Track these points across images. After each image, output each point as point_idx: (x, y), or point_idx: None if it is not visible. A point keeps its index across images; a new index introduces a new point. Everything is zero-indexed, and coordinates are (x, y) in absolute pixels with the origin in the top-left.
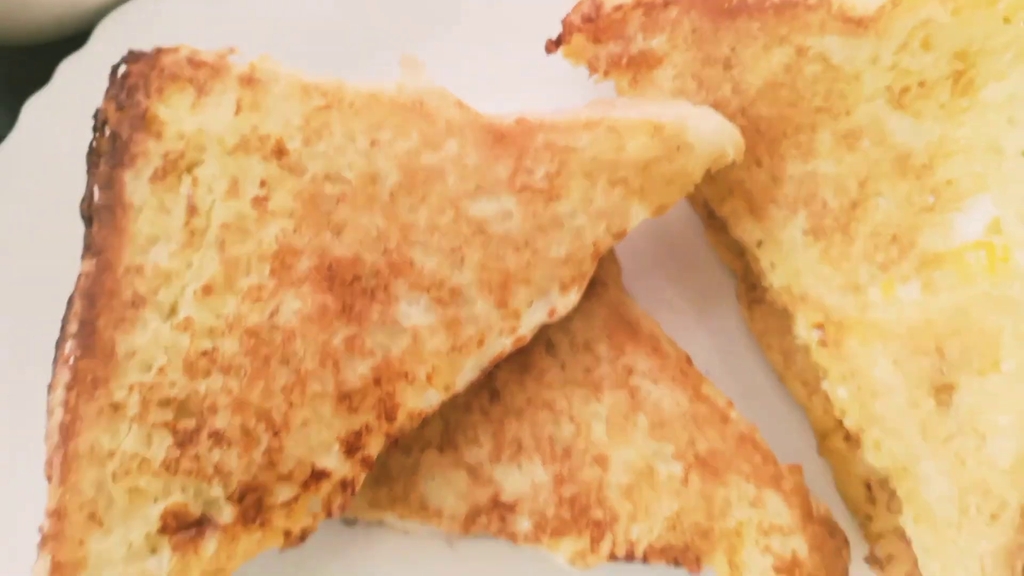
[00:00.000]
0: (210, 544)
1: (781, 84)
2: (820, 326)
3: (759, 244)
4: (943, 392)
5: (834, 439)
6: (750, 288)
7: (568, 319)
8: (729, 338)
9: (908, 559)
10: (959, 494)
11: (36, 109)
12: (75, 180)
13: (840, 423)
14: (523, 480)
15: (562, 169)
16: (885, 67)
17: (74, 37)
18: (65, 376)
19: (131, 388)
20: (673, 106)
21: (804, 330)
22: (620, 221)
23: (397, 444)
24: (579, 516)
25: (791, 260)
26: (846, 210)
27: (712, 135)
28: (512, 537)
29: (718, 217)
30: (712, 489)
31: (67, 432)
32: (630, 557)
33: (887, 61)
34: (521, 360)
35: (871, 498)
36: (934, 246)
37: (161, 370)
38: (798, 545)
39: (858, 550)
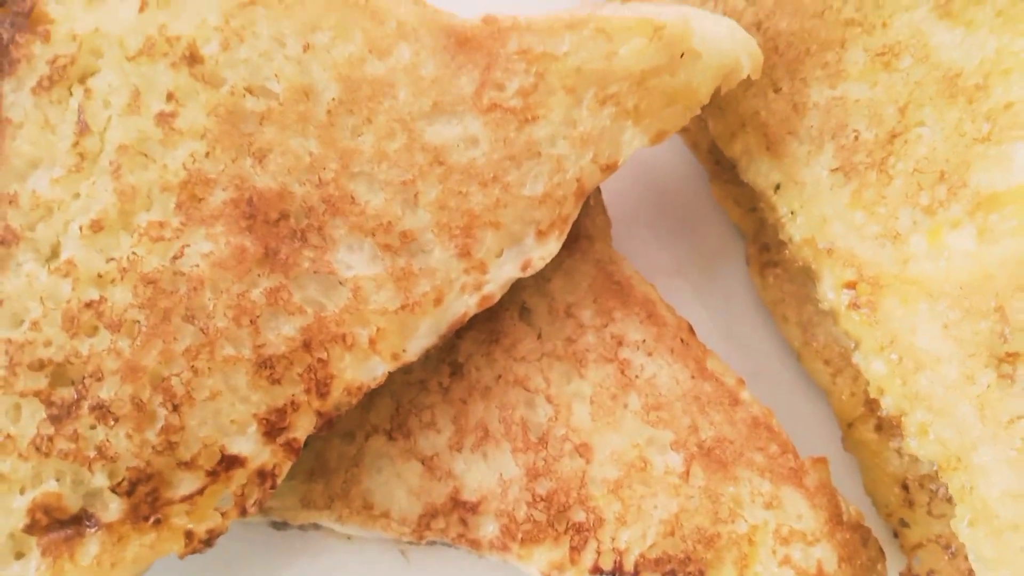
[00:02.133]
0: (91, 546)
1: None
2: (851, 285)
3: (777, 188)
4: (1006, 362)
5: (862, 429)
6: (762, 249)
7: (546, 279)
8: (736, 310)
9: (953, 575)
10: None
11: None
12: None
13: (870, 410)
14: (489, 474)
15: (540, 83)
16: None
17: None
18: None
19: None
20: (675, 6)
21: (831, 291)
22: (610, 150)
23: (334, 428)
24: (556, 518)
25: (816, 205)
26: (883, 143)
27: (723, 41)
28: (475, 545)
29: (727, 162)
30: (718, 486)
31: None
32: (618, 571)
33: None
34: (489, 328)
35: (908, 500)
36: (991, 184)
37: (35, 325)
38: (824, 556)
39: (892, 564)
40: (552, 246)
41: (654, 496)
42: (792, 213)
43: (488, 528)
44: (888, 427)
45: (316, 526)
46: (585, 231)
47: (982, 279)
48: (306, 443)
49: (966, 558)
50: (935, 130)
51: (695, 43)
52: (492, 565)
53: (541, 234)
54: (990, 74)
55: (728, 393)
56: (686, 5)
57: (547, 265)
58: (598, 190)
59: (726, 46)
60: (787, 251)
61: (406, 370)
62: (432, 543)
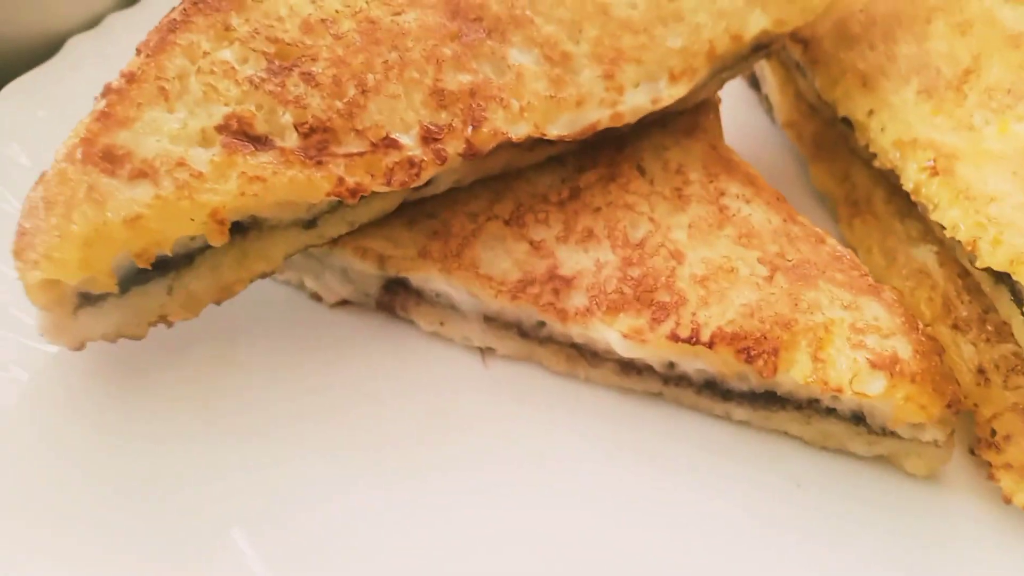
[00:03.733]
0: (261, 158)
1: None
2: (931, 160)
3: (870, 113)
4: None
5: (940, 329)
6: (852, 206)
7: (664, 148)
8: None
9: None
10: None
11: None
12: None
13: (947, 311)
14: (587, 260)
15: None
16: None
17: None
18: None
19: (247, 21)
20: None
21: (915, 172)
22: (739, 24)
23: (462, 207)
24: (642, 296)
25: (902, 117)
26: (959, 76)
27: None
28: (561, 316)
29: (826, 144)
30: (800, 291)
31: (173, 27)
32: (694, 339)
33: None
34: (609, 172)
35: (984, 381)
36: None
37: (280, 20)
38: (900, 346)
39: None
40: (680, 89)
41: (737, 289)
42: (882, 129)
43: (577, 300)
44: (962, 324)
45: (419, 294)
46: (702, 127)
47: None
48: (435, 214)
49: None
50: (1002, 67)
51: None
52: (561, 385)
53: (673, 78)
54: None
55: (815, 235)
56: None
57: (666, 138)
58: (717, 113)
59: None
60: (876, 162)
61: (531, 184)
62: (516, 329)
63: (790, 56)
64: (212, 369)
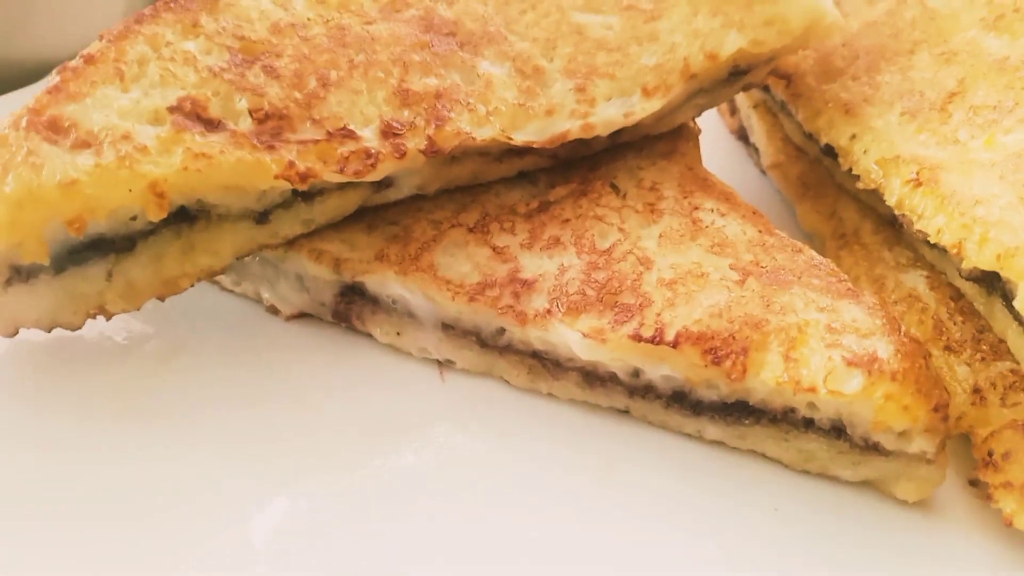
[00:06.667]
0: (211, 139)
1: (882, 24)
2: (915, 172)
3: (852, 137)
4: None
5: (933, 350)
6: (839, 239)
7: (639, 168)
8: None
9: None
10: None
11: None
12: None
13: (939, 333)
14: (551, 264)
15: None
16: (981, 3)
17: None
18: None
19: (216, 20)
20: None
21: (898, 186)
22: (715, 43)
23: (425, 215)
24: (605, 297)
25: (886, 138)
26: (944, 98)
27: None
28: (520, 318)
29: (811, 181)
30: (772, 293)
31: (140, 18)
32: (658, 339)
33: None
34: (581, 188)
35: (980, 399)
36: None
37: (249, 22)
38: (880, 346)
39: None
40: (654, 104)
41: (706, 292)
42: (865, 151)
43: (537, 302)
44: (955, 345)
45: (375, 305)
46: (680, 151)
47: None
48: (396, 221)
49: None
50: (988, 88)
51: None
52: (519, 401)
53: (647, 93)
54: None
55: (792, 245)
56: None
57: (641, 159)
58: (696, 141)
59: None
60: (860, 183)
61: (499, 197)
62: (474, 335)
63: (775, 99)
64: (154, 375)
